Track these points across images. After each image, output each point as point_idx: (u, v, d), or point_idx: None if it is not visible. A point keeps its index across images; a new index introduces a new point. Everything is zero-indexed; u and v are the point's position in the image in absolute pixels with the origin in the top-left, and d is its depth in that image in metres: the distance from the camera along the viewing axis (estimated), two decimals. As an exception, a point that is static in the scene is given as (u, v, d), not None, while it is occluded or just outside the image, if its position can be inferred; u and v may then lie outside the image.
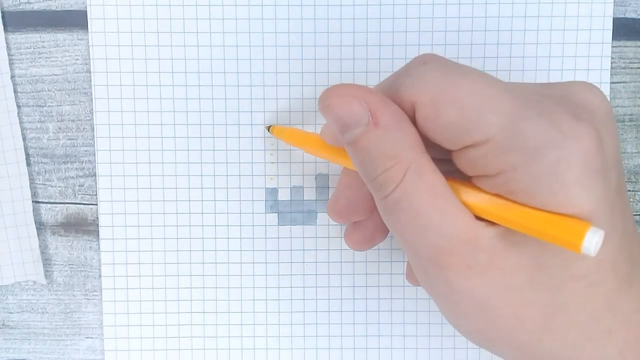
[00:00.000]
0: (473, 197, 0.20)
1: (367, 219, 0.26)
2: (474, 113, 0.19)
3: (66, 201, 0.30)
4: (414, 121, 0.20)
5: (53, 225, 0.30)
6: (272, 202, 0.30)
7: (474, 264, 0.20)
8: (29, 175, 0.30)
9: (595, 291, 0.20)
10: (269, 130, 0.29)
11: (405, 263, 0.30)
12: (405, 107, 0.20)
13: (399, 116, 0.20)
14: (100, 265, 0.30)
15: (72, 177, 0.30)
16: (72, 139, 0.30)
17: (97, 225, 0.30)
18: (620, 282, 0.20)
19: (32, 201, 0.30)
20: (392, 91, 0.21)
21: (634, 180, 0.31)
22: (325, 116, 0.21)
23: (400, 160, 0.20)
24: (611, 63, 0.30)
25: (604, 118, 0.20)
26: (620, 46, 0.30)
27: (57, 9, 0.29)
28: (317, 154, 0.26)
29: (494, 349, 0.22)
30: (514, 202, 0.19)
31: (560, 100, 0.20)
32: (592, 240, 0.18)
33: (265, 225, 0.30)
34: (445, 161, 0.21)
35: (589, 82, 0.21)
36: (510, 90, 0.19)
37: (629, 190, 0.31)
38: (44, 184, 0.30)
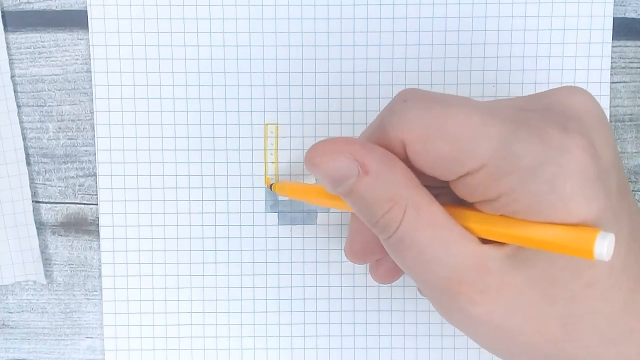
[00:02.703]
0: (477, 221, 0.20)
1: (387, 255, 0.26)
2: (464, 143, 0.19)
3: (66, 201, 0.30)
4: (406, 158, 0.20)
5: (53, 225, 0.30)
6: (272, 201, 0.30)
7: (485, 289, 0.20)
8: (29, 175, 0.30)
9: (610, 296, 0.20)
10: (271, 189, 0.29)
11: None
12: (396, 146, 0.20)
13: (388, 159, 0.20)
14: (100, 265, 0.30)
15: (72, 177, 0.30)
16: (72, 139, 0.30)
17: (97, 225, 0.30)
18: (634, 283, 0.20)
19: (32, 201, 0.30)
20: (380, 132, 0.21)
21: (634, 180, 0.31)
22: (314, 175, 0.21)
23: (397, 200, 0.20)
24: (611, 63, 0.30)
25: (594, 122, 0.20)
26: (620, 46, 0.30)
27: (57, 9, 0.30)
28: (322, 204, 0.26)
29: None
30: (520, 220, 0.19)
31: (547, 113, 0.20)
32: (604, 245, 0.17)
33: (265, 225, 0.30)
34: (445, 188, 0.21)
35: (574, 86, 0.21)
36: (496, 113, 0.19)
37: (629, 190, 0.31)
38: (44, 184, 0.30)
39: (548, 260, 0.20)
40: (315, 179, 0.30)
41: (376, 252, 0.26)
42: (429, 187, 0.21)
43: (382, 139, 0.21)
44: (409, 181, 0.20)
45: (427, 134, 0.19)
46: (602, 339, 0.20)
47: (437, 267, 0.20)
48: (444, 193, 0.21)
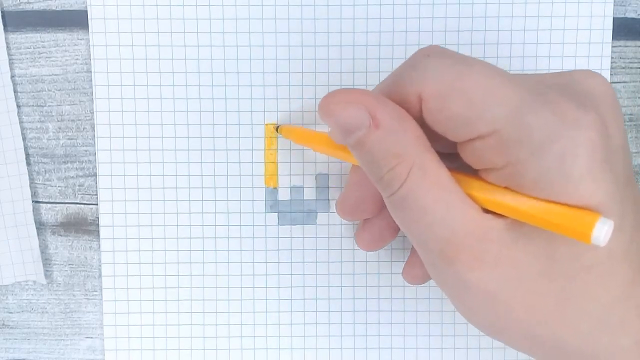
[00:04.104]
0: (480, 190, 0.20)
1: (376, 217, 0.26)
2: (480, 104, 0.19)
3: (66, 201, 0.30)
4: (419, 114, 0.20)
5: (53, 225, 0.30)
6: (272, 201, 0.30)
7: (483, 257, 0.20)
8: (29, 175, 0.30)
9: (607, 281, 0.20)
10: (277, 131, 0.29)
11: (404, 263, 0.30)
12: (412, 101, 0.20)
13: (400, 115, 0.20)
14: (100, 265, 0.30)
15: (72, 177, 0.30)
16: (72, 139, 0.30)
17: (97, 225, 0.30)
18: (633, 274, 0.20)
19: (32, 201, 0.30)
20: (397, 86, 0.21)
21: (634, 180, 0.31)
22: (326, 123, 0.21)
23: (404, 158, 0.20)
24: (611, 63, 0.30)
25: (609, 106, 0.20)
26: (620, 46, 0.30)
27: (57, 9, 0.30)
28: (327, 153, 0.26)
29: (506, 340, 0.22)
30: (523, 194, 0.19)
31: (565, 89, 0.20)
32: (602, 231, 0.17)
33: (265, 225, 0.30)
34: (452, 155, 0.21)
35: (592, 70, 0.21)
36: (515, 81, 0.19)
37: (629, 190, 0.31)
38: (44, 184, 0.30)
39: (548, 238, 0.20)
40: (315, 177, 0.30)
41: (368, 209, 0.26)
42: (437, 153, 0.21)
43: (398, 93, 0.21)
44: (418, 140, 0.20)
45: (445, 91, 0.19)
46: (593, 325, 0.20)
47: (438, 229, 0.20)
48: (452, 160, 0.21)
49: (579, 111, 0.18)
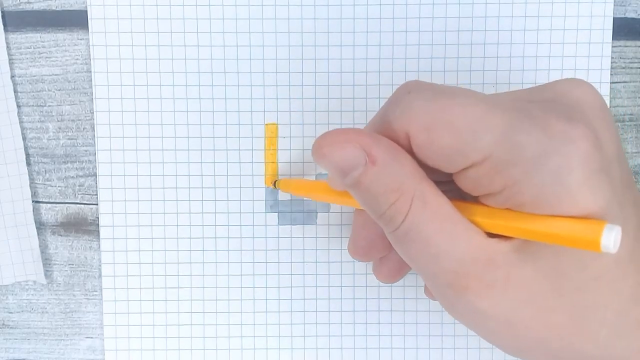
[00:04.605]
0: (483, 215, 0.20)
1: (391, 252, 0.26)
2: (467, 134, 0.19)
3: (66, 201, 0.30)
4: (410, 150, 0.20)
5: (53, 225, 0.30)
6: (272, 201, 0.30)
7: (492, 283, 0.20)
8: (29, 175, 0.30)
9: (618, 287, 0.20)
10: (275, 186, 0.29)
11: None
12: (400, 138, 0.20)
13: (394, 149, 0.20)
14: (100, 265, 0.30)
15: (72, 177, 0.30)
16: (72, 139, 0.30)
17: (97, 225, 0.30)
18: None
19: (32, 201, 0.30)
20: (384, 124, 0.21)
21: (634, 180, 0.31)
22: (322, 165, 0.21)
23: (404, 191, 0.20)
24: (611, 63, 0.30)
25: (598, 113, 0.20)
26: (620, 46, 0.30)
27: (57, 9, 0.29)
28: (327, 200, 0.26)
29: (531, 358, 0.22)
30: (525, 213, 0.19)
31: (551, 104, 0.20)
32: (610, 237, 0.17)
33: (266, 225, 0.30)
34: (450, 182, 0.21)
35: (577, 78, 0.21)
36: (500, 104, 0.19)
37: (629, 190, 0.31)
38: (44, 184, 0.30)
39: (554, 253, 0.19)
40: (315, 177, 0.30)
41: (380, 248, 0.25)
42: (434, 182, 0.21)
43: (386, 130, 0.21)
44: (415, 172, 0.20)
45: (431, 125, 0.19)
46: (610, 332, 0.20)
47: (444, 260, 0.20)
48: (449, 190, 0.21)
49: (567, 125, 0.18)
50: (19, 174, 0.30)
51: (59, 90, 0.30)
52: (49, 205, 0.30)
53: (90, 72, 0.29)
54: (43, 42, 0.30)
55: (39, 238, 0.30)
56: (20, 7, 0.29)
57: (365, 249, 0.26)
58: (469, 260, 0.20)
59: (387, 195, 0.20)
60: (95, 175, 0.30)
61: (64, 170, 0.30)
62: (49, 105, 0.30)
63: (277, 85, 0.29)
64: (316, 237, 0.30)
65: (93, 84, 0.29)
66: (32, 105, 0.30)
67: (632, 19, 0.30)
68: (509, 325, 0.20)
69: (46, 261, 0.30)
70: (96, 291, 0.31)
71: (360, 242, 0.25)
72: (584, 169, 0.18)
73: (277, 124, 0.30)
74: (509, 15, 0.29)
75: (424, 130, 0.19)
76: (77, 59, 0.30)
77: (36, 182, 0.30)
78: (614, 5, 0.29)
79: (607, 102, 0.30)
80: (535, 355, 0.21)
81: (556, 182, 0.18)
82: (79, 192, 0.30)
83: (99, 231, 0.30)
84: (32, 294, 0.31)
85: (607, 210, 0.19)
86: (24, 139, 0.30)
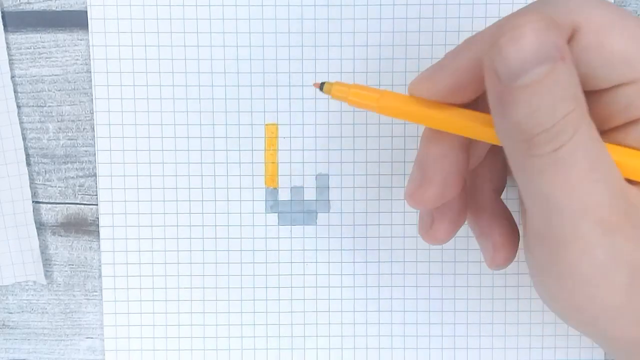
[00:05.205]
0: (622, 154, 0.18)
1: (454, 198, 0.22)
2: None
3: (66, 201, 0.30)
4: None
5: (53, 226, 0.30)
6: (272, 202, 0.30)
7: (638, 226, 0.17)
8: (29, 175, 0.30)
9: None
10: (321, 89, 0.23)
11: (405, 263, 0.30)
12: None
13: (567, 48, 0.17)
14: (100, 265, 0.30)
15: (72, 177, 0.30)
16: (72, 139, 0.30)
17: (97, 225, 0.30)
18: None
19: (32, 201, 0.30)
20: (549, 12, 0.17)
21: (634, 180, 0.30)
22: (499, 56, 0.16)
23: (580, 101, 0.16)
24: (611, 63, 0.30)
25: None
26: (620, 46, 0.30)
27: (57, 9, 0.29)
28: (419, 118, 0.21)
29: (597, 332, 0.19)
30: None
31: None
32: None
33: (266, 225, 0.30)
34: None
35: None
36: None
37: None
38: (44, 184, 0.30)
39: None
40: (315, 177, 0.30)
41: (454, 188, 0.21)
42: None
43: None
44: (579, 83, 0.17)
45: (608, 25, 0.17)
46: None
47: (603, 191, 0.16)
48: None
49: None
50: (19, 174, 0.30)
51: (59, 90, 0.30)
52: (49, 205, 0.30)
53: (90, 72, 0.29)
54: (43, 42, 0.30)
55: (39, 238, 0.30)
56: (20, 7, 0.29)
57: (439, 185, 0.21)
58: (621, 196, 0.17)
59: (565, 102, 0.16)
60: (95, 175, 0.30)
61: (64, 171, 0.30)
62: (49, 106, 0.30)
63: (277, 86, 0.29)
64: (316, 237, 0.30)
65: (93, 84, 0.29)
66: (32, 106, 0.30)
67: (632, 19, 0.30)
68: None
69: (46, 261, 0.31)
70: (96, 291, 0.31)
71: (436, 177, 0.21)
72: None
73: (277, 124, 0.30)
74: (509, 16, 0.29)
75: (599, 28, 0.17)
76: (77, 60, 0.30)
77: (36, 182, 0.30)
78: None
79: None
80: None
81: None
82: (79, 193, 0.30)
83: (99, 231, 0.30)
84: (32, 294, 0.31)
85: None
86: (24, 139, 0.30)
